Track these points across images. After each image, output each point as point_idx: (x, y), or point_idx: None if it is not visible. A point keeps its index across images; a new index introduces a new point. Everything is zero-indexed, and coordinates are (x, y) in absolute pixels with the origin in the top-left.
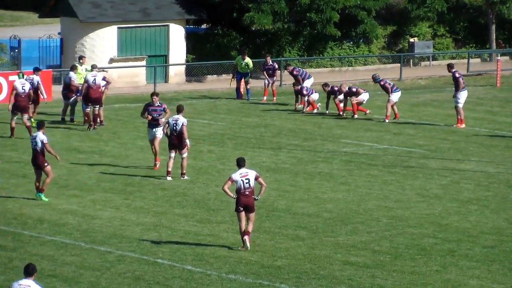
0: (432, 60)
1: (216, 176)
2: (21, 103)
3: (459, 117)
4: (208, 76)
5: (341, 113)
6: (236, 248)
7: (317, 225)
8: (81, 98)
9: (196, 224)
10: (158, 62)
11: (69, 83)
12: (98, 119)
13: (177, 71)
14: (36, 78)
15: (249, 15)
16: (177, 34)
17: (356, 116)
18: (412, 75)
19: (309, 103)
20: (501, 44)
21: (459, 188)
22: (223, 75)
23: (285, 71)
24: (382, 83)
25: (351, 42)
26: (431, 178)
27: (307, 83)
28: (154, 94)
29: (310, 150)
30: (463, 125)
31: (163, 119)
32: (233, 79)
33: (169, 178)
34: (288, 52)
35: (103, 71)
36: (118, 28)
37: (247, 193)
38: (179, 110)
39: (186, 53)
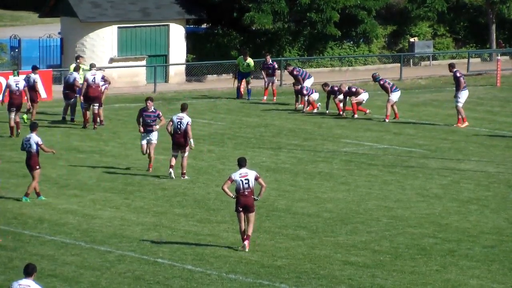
0: (432, 60)
1: (216, 176)
2: (15, 101)
3: (460, 116)
4: (208, 76)
5: (341, 113)
6: (236, 248)
7: (317, 225)
8: (81, 98)
9: (196, 224)
10: (158, 62)
11: (73, 83)
12: (98, 119)
13: (177, 71)
14: (33, 77)
15: (249, 15)
16: (177, 34)
17: (356, 116)
18: (412, 75)
19: (309, 103)
20: (501, 44)
21: (459, 188)
22: (223, 75)
23: (285, 71)
24: (381, 82)
25: (351, 42)
26: (431, 178)
27: (307, 83)
28: (148, 99)
29: (310, 150)
30: (466, 123)
31: (157, 126)
32: (235, 80)
33: (171, 170)
34: (288, 52)
35: (100, 70)
36: (118, 28)
37: (246, 193)
38: (183, 108)
39: (186, 53)
